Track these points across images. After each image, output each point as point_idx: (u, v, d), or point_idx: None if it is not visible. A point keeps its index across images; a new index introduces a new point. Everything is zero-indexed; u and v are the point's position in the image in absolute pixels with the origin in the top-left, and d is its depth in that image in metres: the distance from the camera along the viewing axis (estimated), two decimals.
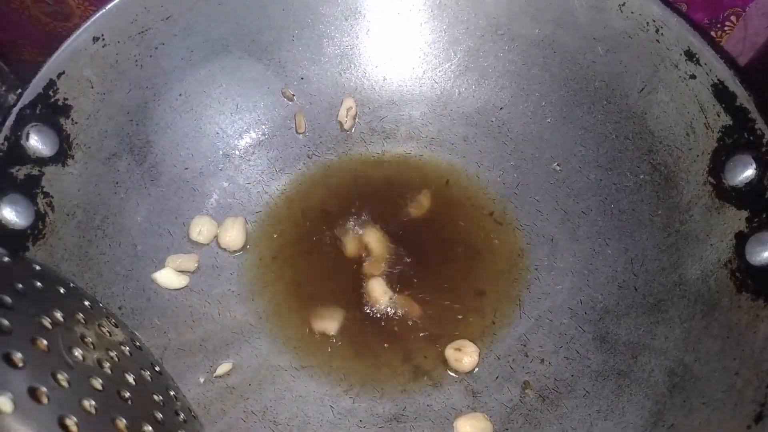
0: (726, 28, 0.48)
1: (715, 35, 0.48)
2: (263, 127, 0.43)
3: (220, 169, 0.41)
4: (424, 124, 0.44)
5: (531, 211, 0.40)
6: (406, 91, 0.44)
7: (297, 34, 0.42)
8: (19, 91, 0.33)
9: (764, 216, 0.30)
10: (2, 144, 0.32)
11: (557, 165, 0.41)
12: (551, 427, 0.33)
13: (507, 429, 0.34)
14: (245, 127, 0.42)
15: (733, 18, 0.47)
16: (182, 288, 0.37)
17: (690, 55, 0.34)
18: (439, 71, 0.44)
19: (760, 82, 0.46)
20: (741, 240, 0.31)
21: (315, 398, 0.35)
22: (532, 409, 0.34)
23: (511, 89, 0.42)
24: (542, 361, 0.35)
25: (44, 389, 0.22)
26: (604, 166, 0.39)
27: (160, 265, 0.37)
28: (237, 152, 0.42)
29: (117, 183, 0.37)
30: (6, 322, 0.22)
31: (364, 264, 0.39)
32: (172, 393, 0.30)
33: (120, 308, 0.35)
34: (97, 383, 0.24)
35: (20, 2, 0.46)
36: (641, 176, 0.38)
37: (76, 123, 0.35)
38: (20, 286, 0.25)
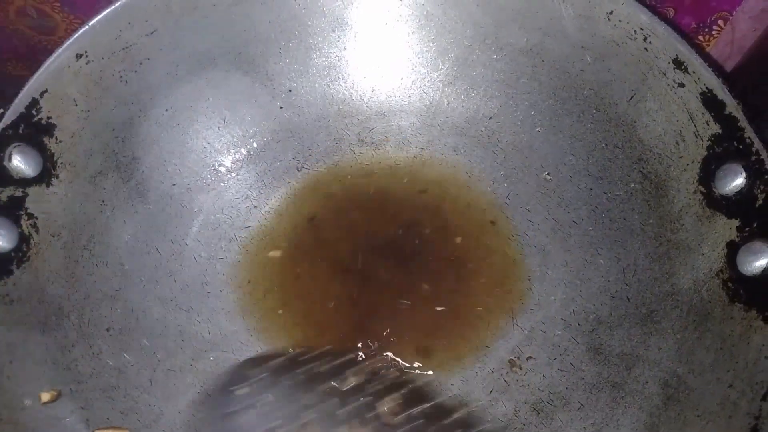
0: (714, 32, 0.48)
1: (703, 39, 0.48)
2: (251, 140, 0.42)
3: (208, 184, 0.41)
4: (414, 134, 0.43)
5: (522, 221, 0.40)
6: (395, 101, 0.44)
7: (284, 46, 0.42)
8: (1, 111, 0.33)
9: (755, 225, 0.30)
10: None
11: (547, 174, 0.41)
12: None
13: None
14: (233, 141, 0.42)
15: (720, 22, 0.47)
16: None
17: (678, 64, 0.34)
18: (428, 81, 0.43)
19: (748, 86, 0.46)
20: (732, 249, 0.31)
21: None
22: (527, 423, 0.34)
23: (500, 99, 0.42)
24: (536, 373, 0.35)
25: None
26: (594, 175, 0.39)
27: (148, 284, 0.37)
28: (225, 166, 0.42)
29: (103, 201, 0.37)
30: None
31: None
32: None
33: (108, 329, 0.35)
34: None
35: (4, 16, 0.46)
36: (632, 185, 0.37)
37: (60, 142, 0.35)
38: None
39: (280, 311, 0.38)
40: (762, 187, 0.30)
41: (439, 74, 0.43)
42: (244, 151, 0.42)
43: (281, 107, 0.43)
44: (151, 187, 0.39)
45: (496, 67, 0.42)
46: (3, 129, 0.32)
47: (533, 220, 0.40)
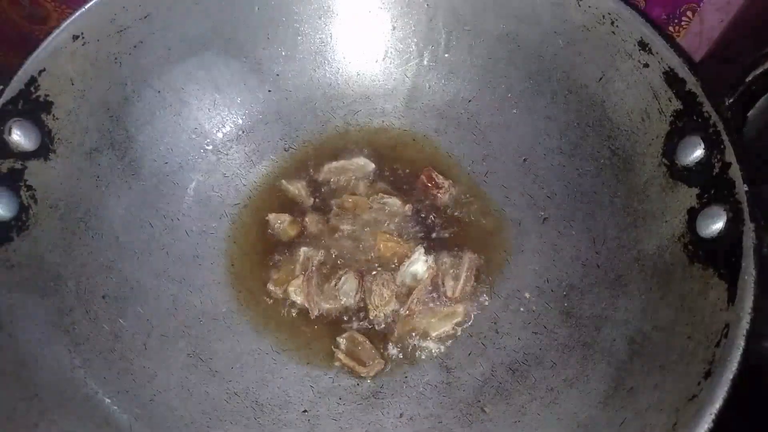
0: (683, 23, 0.51)
1: (673, 30, 0.51)
2: (240, 121, 0.44)
3: (199, 163, 0.42)
4: (397, 117, 0.45)
5: (500, 197, 0.42)
6: (379, 85, 0.46)
7: (272, 32, 0.44)
8: (1, 87, 0.34)
9: (713, 192, 0.32)
10: None
11: (524, 158, 0.43)
12: (521, 397, 0.35)
13: (480, 401, 0.35)
14: (223, 122, 0.44)
15: (689, 13, 0.50)
16: None
17: (643, 45, 0.36)
18: (410, 66, 0.45)
19: (716, 76, 0.48)
20: (692, 215, 0.33)
21: (296, 379, 0.36)
22: (503, 381, 0.36)
23: (479, 82, 0.44)
24: (512, 336, 0.37)
25: None
26: (567, 153, 0.41)
27: (142, 256, 0.38)
28: (215, 146, 0.43)
29: (98, 177, 0.38)
30: None
31: None
32: None
33: (104, 297, 0.36)
34: None
35: None
36: (602, 161, 0.40)
37: (57, 119, 0.36)
38: None
39: (267, 282, 0.40)
40: (719, 157, 0.32)
41: (421, 59, 0.45)
42: (233, 131, 0.44)
43: (269, 90, 0.44)
44: (145, 165, 0.41)
45: (475, 53, 0.44)
46: (3, 104, 0.34)
47: (510, 196, 0.42)
